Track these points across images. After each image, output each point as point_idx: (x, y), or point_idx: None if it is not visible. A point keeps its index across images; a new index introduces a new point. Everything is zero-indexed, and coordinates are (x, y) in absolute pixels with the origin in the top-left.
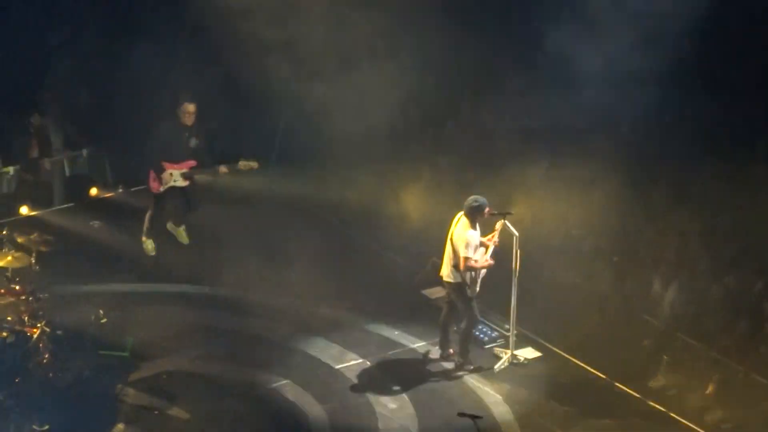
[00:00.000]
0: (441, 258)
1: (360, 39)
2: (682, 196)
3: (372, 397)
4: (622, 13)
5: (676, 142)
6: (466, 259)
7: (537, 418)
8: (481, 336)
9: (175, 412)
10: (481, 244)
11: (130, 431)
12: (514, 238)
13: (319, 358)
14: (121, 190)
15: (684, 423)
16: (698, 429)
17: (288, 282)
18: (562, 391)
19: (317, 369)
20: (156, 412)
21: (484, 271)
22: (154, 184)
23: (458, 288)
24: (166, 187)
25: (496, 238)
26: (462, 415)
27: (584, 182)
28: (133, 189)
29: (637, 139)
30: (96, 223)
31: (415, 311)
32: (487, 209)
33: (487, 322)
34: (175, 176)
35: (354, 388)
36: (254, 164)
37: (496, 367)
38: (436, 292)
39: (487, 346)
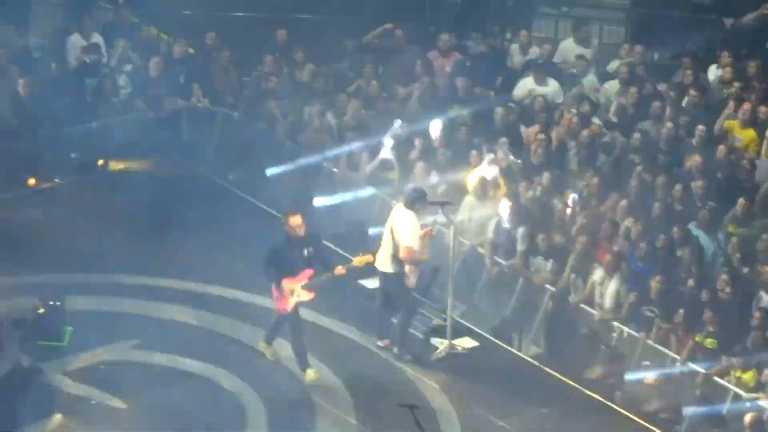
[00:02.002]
0: (378, 248)
1: None
2: (619, 186)
3: (309, 387)
4: None
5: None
6: (409, 248)
7: (475, 408)
8: (419, 325)
9: (113, 401)
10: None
11: (68, 421)
12: (451, 228)
13: (256, 347)
14: (58, 181)
15: (622, 412)
16: (636, 419)
17: (226, 272)
18: (499, 381)
19: (255, 359)
20: (93, 402)
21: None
22: (280, 305)
23: (396, 278)
24: (293, 304)
25: (431, 232)
26: (401, 405)
27: (520, 172)
28: (70, 179)
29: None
30: (34, 213)
31: (352, 301)
32: (425, 199)
33: (425, 312)
34: (297, 291)
35: (291, 377)
36: (370, 258)
37: (433, 356)
38: (373, 283)
39: (424, 336)
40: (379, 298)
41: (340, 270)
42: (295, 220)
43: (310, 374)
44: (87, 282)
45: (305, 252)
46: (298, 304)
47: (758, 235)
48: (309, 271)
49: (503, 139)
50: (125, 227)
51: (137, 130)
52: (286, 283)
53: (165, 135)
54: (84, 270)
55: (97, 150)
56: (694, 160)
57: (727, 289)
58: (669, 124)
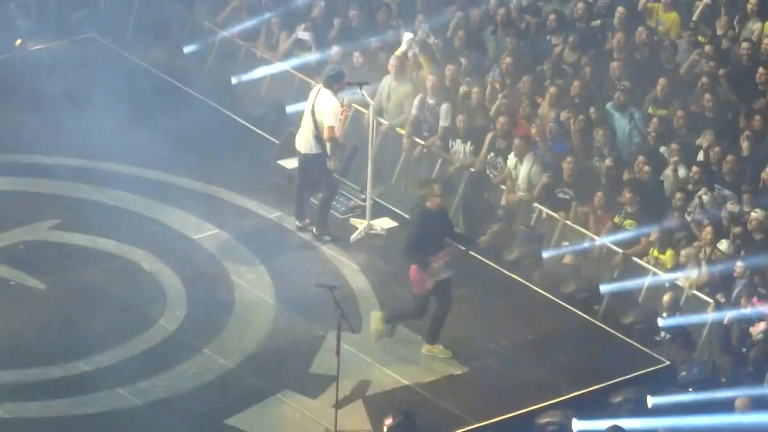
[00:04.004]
0: (297, 129)
1: None
2: (534, 65)
3: (229, 268)
4: None
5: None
6: (332, 128)
7: (394, 288)
8: (338, 206)
9: (32, 282)
10: None
11: None
12: (370, 108)
13: (176, 228)
14: None
15: (540, 293)
16: (554, 299)
17: (145, 152)
18: None
19: (174, 239)
20: (12, 283)
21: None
22: (420, 286)
23: (317, 159)
24: (431, 285)
25: (348, 112)
26: (319, 285)
27: (440, 53)
28: None
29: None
30: None
31: (271, 182)
32: (345, 79)
33: (344, 193)
34: (437, 270)
35: (211, 258)
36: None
37: (352, 237)
38: (291, 163)
39: (343, 216)
40: (298, 179)
41: (483, 242)
42: (438, 189)
43: (435, 350)
44: (4, 162)
45: (441, 228)
46: (437, 284)
47: (673, 115)
48: (447, 249)
49: (420, 17)
50: (43, 107)
51: (55, 9)
52: (429, 264)
53: (83, 14)
54: (1, 150)
55: (15, 30)
56: (612, 41)
57: (645, 168)
58: (581, 4)
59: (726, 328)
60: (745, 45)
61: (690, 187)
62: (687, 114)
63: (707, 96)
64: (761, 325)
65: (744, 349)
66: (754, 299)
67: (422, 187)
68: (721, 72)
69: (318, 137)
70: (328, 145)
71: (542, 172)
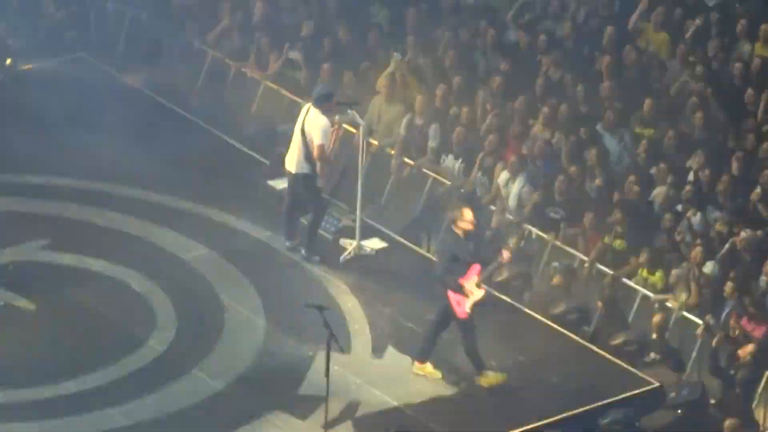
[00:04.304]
0: (287, 149)
1: None
2: (525, 84)
3: (218, 288)
4: None
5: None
6: (321, 146)
7: (383, 308)
8: (328, 226)
9: (22, 302)
10: None
11: None
12: (360, 128)
13: (165, 248)
14: None
15: (529, 313)
16: (543, 320)
17: (135, 172)
18: (408, 282)
19: (164, 259)
20: (2, 303)
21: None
22: (461, 310)
23: (306, 179)
24: (470, 307)
25: (339, 132)
26: (308, 305)
27: (430, 72)
28: None
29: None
30: None
31: (260, 202)
32: (334, 98)
33: (334, 213)
34: (470, 289)
35: (200, 278)
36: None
37: (342, 257)
38: (281, 183)
39: (333, 237)
40: (288, 199)
41: (507, 255)
42: (469, 214)
43: (489, 377)
44: None
45: (470, 247)
46: (475, 306)
47: (663, 135)
48: (477, 266)
49: (411, 38)
50: (33, 127)
51: (46, 29)
52: (463, 287)
53: (73, 35)
54: None
55: (5, 49)
56: (602, 61)
57: (635, 188)
58: (568, 24)
59: (715, 350)
60: (737, 66)
61: (680, 207)
62: (677, 134)
63: (698, 115)
64: (749, 347)
65: (732, 371)
66: (744, 320)
67: (452, 211)
68: (708, 91)
69: (308, 157)
70: (317, 164)
71: (532, 191)
